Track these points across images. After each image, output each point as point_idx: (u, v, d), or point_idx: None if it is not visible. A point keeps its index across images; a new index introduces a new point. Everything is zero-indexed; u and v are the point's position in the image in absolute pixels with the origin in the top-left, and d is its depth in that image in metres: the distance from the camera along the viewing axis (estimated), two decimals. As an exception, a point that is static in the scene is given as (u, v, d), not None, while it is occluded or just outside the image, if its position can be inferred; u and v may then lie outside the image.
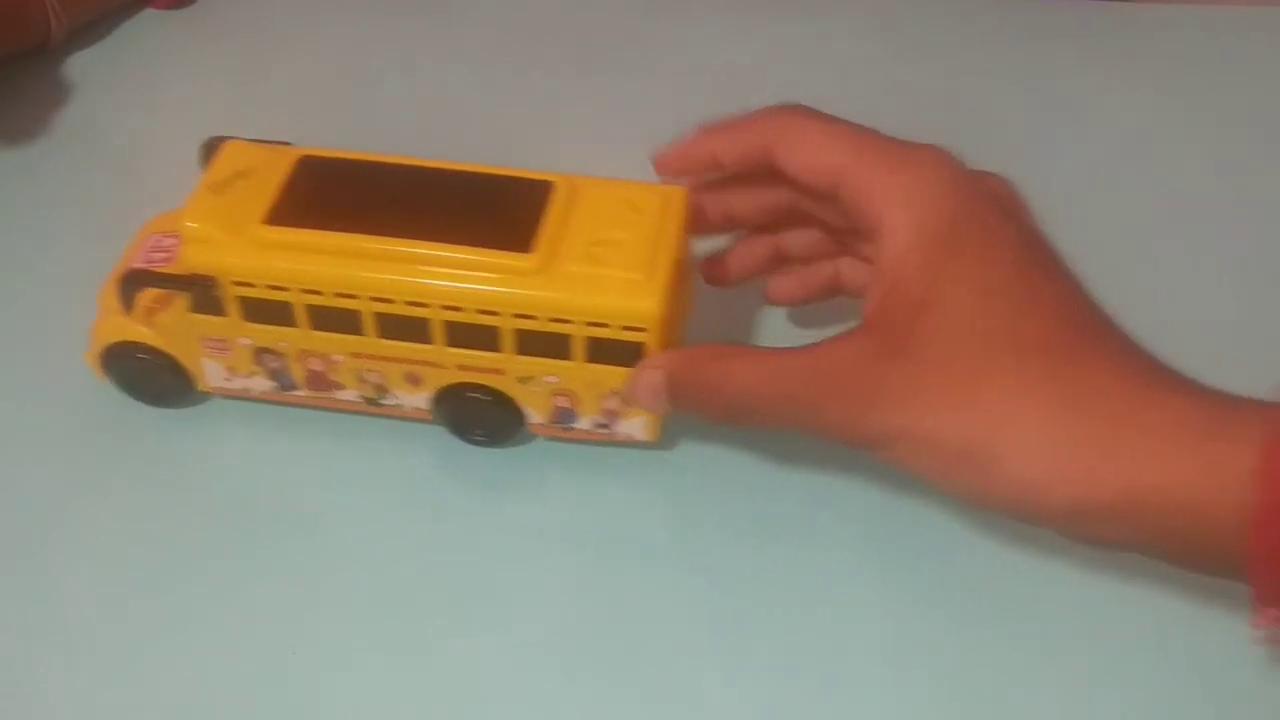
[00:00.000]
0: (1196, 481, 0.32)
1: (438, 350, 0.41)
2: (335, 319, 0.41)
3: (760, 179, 0.41)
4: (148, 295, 0.43)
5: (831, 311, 0.46)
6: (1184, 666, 0.39)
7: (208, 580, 0.41)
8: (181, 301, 0.42)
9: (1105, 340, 0.36)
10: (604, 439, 0.43)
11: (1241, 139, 0.57)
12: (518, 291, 0.39)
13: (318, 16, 0.63)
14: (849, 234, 0.42)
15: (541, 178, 0.41)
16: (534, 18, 0.63)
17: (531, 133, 0.56)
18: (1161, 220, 0.53)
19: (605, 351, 0.40)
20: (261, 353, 0.42)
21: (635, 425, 0.42)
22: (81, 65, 0.60)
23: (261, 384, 0.44)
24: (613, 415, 0.42)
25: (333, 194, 0.41)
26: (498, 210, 0.41)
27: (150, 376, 0.44)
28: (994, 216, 0.37)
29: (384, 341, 0.41)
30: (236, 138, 0.43)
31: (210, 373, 0.44)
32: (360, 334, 0.41)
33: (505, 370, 0.41)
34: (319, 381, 0.43)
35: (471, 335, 0.40)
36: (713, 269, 0.46)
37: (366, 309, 0.40)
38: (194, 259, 0.40)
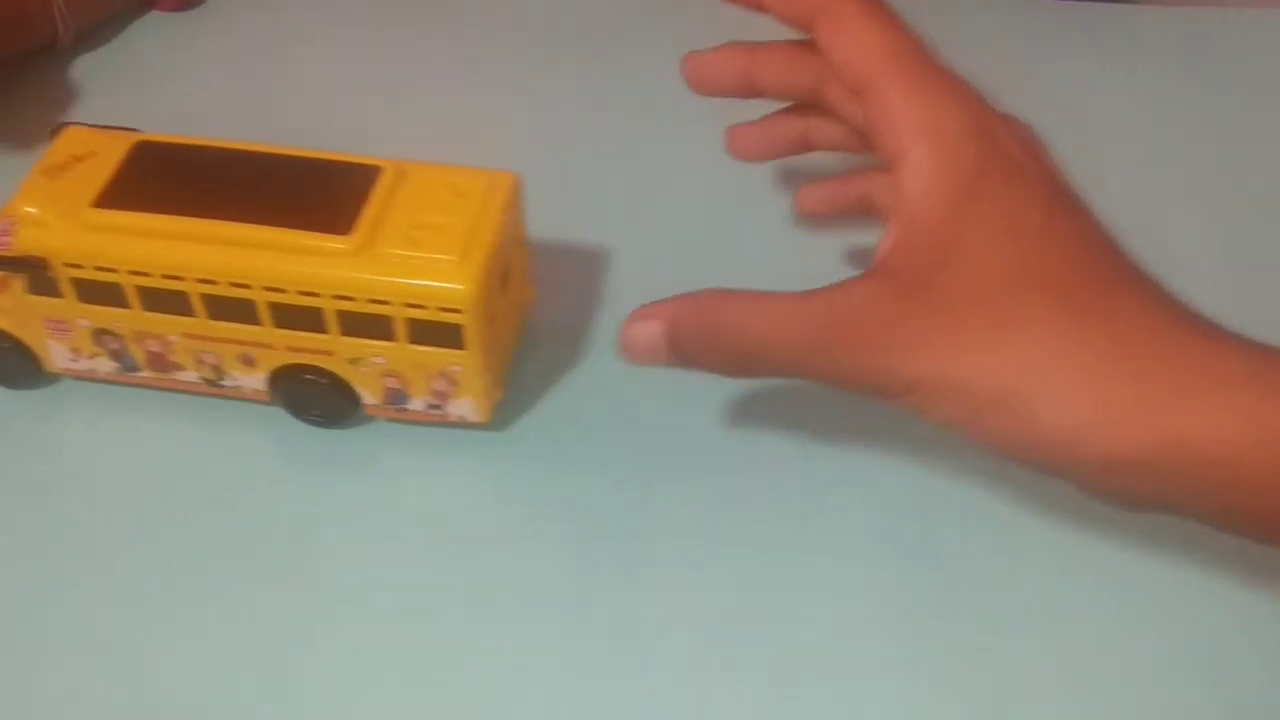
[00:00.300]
0: (1236, 433, 0.32)
1: (266, 331, 0.42)
2: (166, 300, 0.42)
3: (794, 50, 0.40)
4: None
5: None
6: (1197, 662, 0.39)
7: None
8: (19, 283, 0.43)
9: (1139, 286, 0.35)
10: (437, 420, 0.44)
11: (1245, 139, 0.56)
12: (335, 273, 0.40)
13: (324, 19, 0.63)
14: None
15: (371, 162, 0.42)
16: (542, 20, 0.63)
17: (537, 134, 0.56)
18: (1165, 221, 0.52)
19: (426, 333, 0.41)
20: (101, 334, 0.43)
21: (466, 406, 0.43)
22: (87, 67, 0.60)
23: (105, 365, 0.44)
24: (443, 396, 0.43)
25: (165, 178, 0.42)
26: (324, 194, 0.41)
27: (-2, 358, 0.45)
28: (1022, 157, 0.35)
29: (214, 323, 0.42)
30: (82, 124, 0.44)
31: (56, 354, 0.44)
32: (191, 315, 0.42)
33: (334, 351, 0.42)
34: (159, 363, 0.44)
35: (297, 316, 0.41)
36: (738, 138, 0.44)
37: (194, 290, 0.41)
38: (25, 241, 0.41)
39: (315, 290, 0.40)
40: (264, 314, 0.41)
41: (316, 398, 0.44)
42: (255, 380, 0.44)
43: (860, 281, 0.35)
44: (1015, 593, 0.41)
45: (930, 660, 0.39)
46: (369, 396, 0.43)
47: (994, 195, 0.34)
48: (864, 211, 0.43)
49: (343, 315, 0.41)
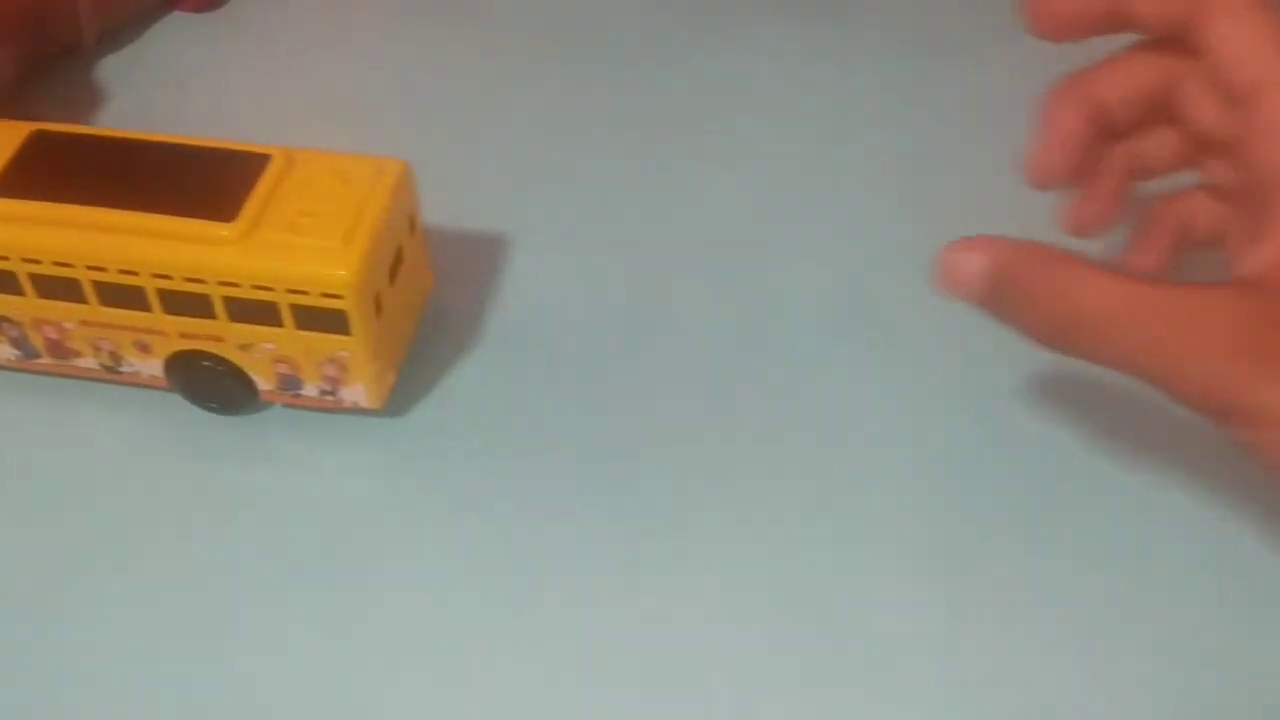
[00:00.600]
0: None
1: (157, 318, 0.42)
2: (59, 287, 0.42)
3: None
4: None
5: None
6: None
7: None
8: (-84, 271, 0.43)
9: None
10: (331, 406, 0.44)
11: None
12: (219, 259, 0.40)
13: (346, 19, 0.63)
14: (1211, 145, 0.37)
15: (260, 150, 0.43)
16: (564, 21, 0.63)
17: (560, 135, 0.57)
18: None
19: (311, 319, 0.41)
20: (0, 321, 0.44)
21: (359, 392, 0.43)
22: (111, 68, 0.60)
23: (6, 352, 0.45)
24: (335, 383, 0.43)
25: (58, 167, 0.43)
26: (212, 182, 0.42)
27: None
28: None
29: (107, 309, 0.42)
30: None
31: (-42, 342, 0.45)
32: (84, 302, 0.42)
33: (224, 338, 0.42)
34: (58, 349, 0.44)
35: (186, 303, 0.42)
36: (1076, 216, 0.40)
37: (85, 277, 0.42)
38: (-80, 229, 0.42)
39: (201, 277, 0.41)
40: (154, 300, 0.42)
41: (212, 384, 0.44)
42: (152, 366, 0.44)
43: (1233, 289, 0.32)
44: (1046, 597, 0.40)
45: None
46: (263, 382, 0.44)
47: None
48: (1183, 241, 0.40)
49: (229, 301, 0.41)
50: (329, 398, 0.44)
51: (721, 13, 0.63)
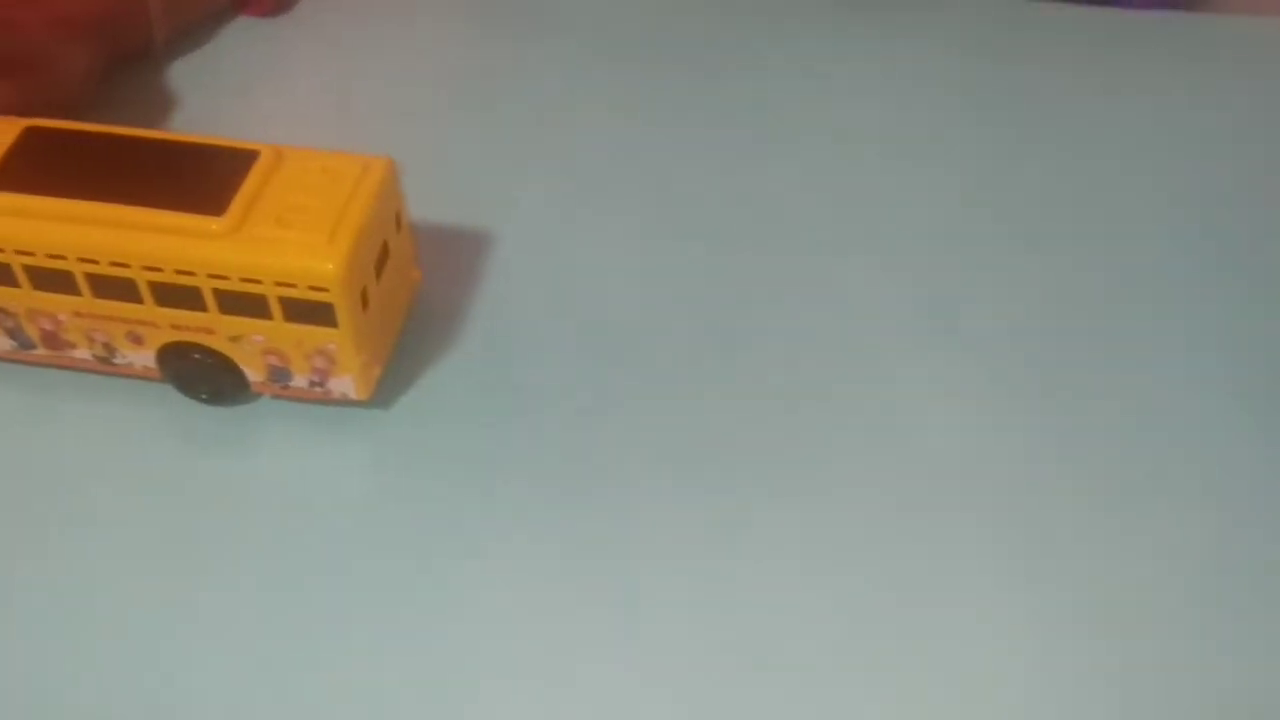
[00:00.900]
0: None
1: (149, 310, 0.43)
2: (53, 279, 0.43)
3: None
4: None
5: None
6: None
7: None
8: (-85, 264, 0.44)
9: None
10: (320, 397, 0.45)
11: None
12: (208, 253, 0.41)
13: (413, 23, 0.64)
14: None
15: (249, 147, 0.44)
16: (635, 27, 0.64)
17: (632, 140, 0.57)
18: (1238, 228, 0.52)
19: (300, 311, 0.42)
20: (-5, 312, 0.45)
21: (346, 384, 0.44)
22: (180, 72, 0.61)
23: (2, 343, 0.46)
24: (323, 374, 0.44)
25: (51, 162, 0.44)
26: (202, 177, 0.43)
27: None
28: None
29: (100, 301, 0.43)
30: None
31: (-46, 333, 0.46)
32: (78, 294, 0.43)
33: (215, 330, 0.43)
34: (53, 340, 0.45)
35: (177, 295, 0.42)
36: None
37: (78, 269, 0.42)
38: (-83, 223, 0.43)
39: (191, 269, 0.42)
40: (145, 293, 0.43)
41: (203, 375, 0.45)
42: (144, 358, 0.45)
43: None
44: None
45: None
46: (253, 374, 0.45)
47: None
48: None
49: (219, 294, 0.42)
50: (318, 389, 0.45)
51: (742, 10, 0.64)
